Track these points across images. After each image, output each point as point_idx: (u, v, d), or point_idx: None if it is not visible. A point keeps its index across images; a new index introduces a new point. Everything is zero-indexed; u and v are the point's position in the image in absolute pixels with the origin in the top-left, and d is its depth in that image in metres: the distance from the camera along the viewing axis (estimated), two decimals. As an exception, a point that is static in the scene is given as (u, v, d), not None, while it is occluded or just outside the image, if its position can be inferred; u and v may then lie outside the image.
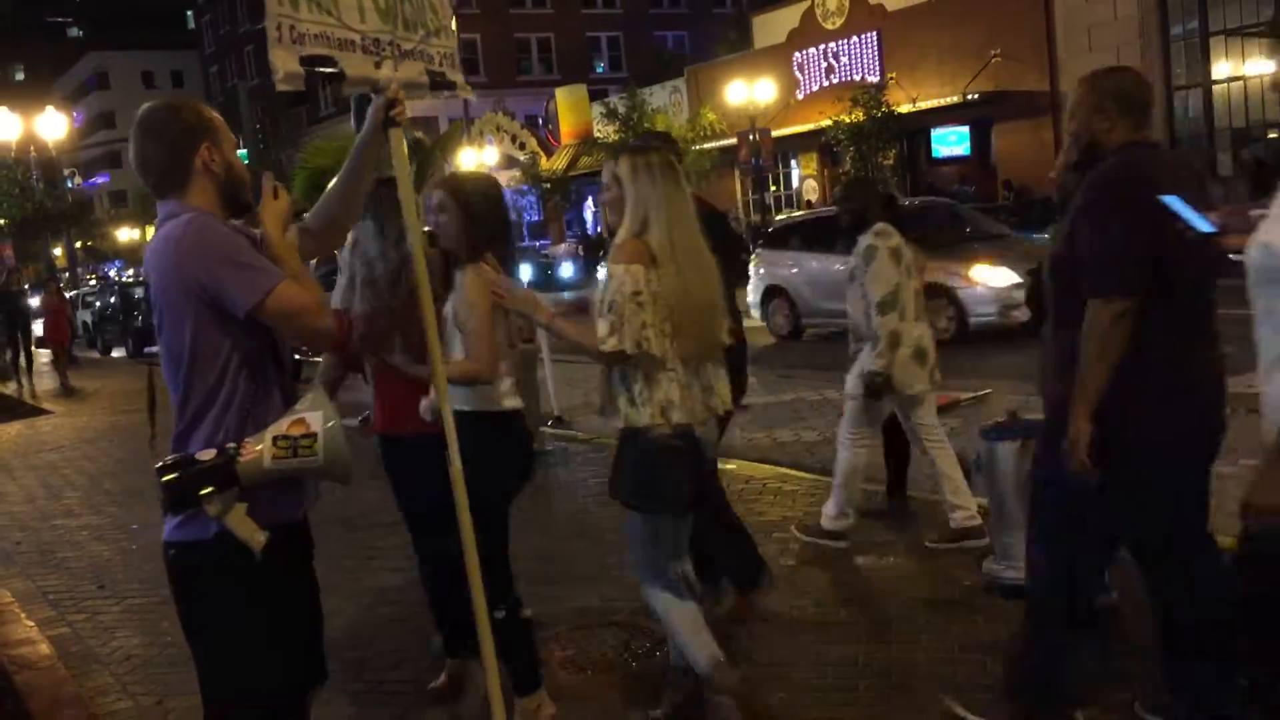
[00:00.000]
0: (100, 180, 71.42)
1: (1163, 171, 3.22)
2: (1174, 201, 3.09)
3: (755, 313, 15.32)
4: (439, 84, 3.50)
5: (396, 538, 6.38)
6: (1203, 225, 3.10)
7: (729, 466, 7.55)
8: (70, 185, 52.13)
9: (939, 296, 12.15)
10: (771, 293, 15.36)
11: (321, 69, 3.17)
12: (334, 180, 3.09)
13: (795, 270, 14.95)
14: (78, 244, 46.66)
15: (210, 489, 2.53)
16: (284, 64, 2.99)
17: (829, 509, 5.62)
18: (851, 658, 4.21)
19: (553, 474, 7.93)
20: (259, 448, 2.57)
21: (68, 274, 40.74)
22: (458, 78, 3.59)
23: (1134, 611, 4.02)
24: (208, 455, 2.56)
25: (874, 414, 5.62)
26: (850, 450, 5.61)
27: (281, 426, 2.59)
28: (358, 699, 4.29)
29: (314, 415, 2.61)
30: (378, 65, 3.25)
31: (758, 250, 16.05)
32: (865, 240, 5.42)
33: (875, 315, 5.31)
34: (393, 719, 4.14)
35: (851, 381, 5.57)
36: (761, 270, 15.51)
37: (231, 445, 2.58)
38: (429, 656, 4.51)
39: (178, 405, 2.67)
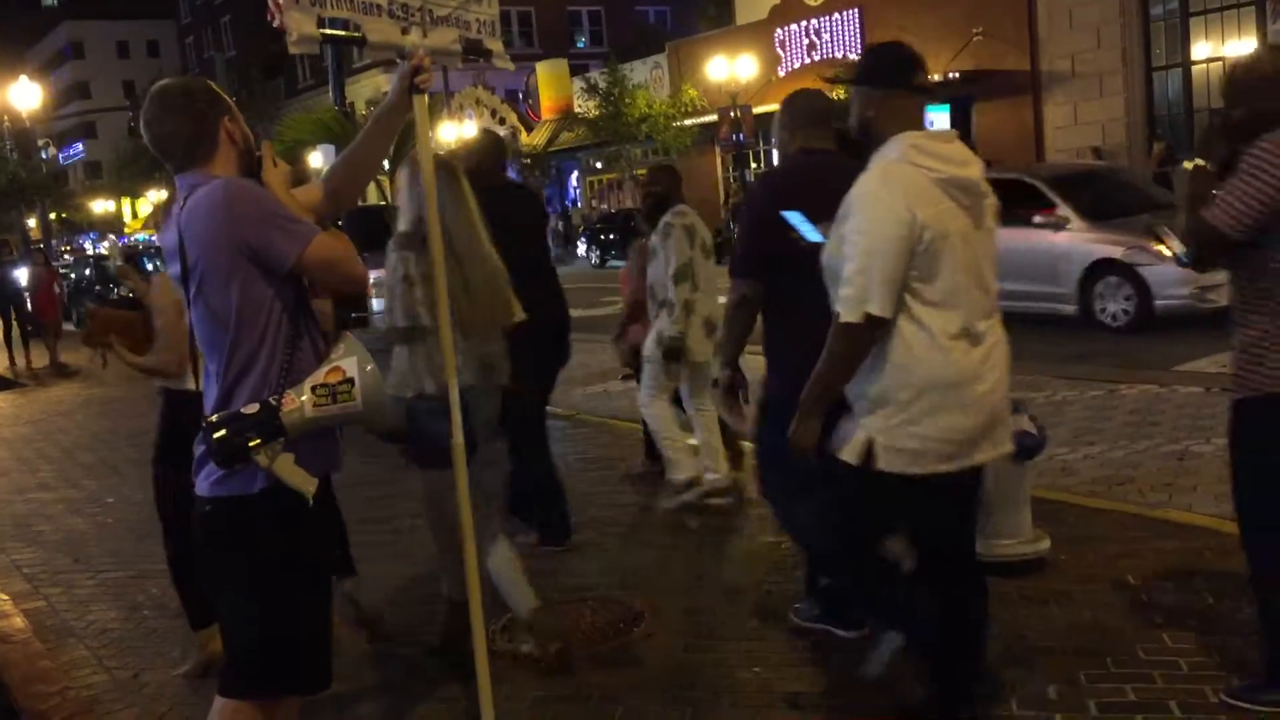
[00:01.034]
0: (74, 152, 70.70)
1: (811, 179, 3.83)
2: (791, 215, 3.65)
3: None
4: (474, 51, 3.47)
5: (378, 510, 6.38)
6: (812, 236, 3.53)
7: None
8: (44, 156, 51.62)
9: (1112, 274, 11.16)
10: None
11: (339, 31, 3.15)
12: (353, 143, 3.09)
13: None
14: (52, 215, 46.18)
15: (258, 440, 2.60)
16: (299, 26, 2.97)
17: (678, 477, 6.06)
18: (824, 632, 4.23)
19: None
20: (301, 399, 2.64)
21: (42, 245, 40.37)
22: (496, 46, 3.56)
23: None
24: (251, 409, 2.63)
25: (671, 375, 6.06)
26: (652, 407, 6.14)
27: (319, 376, 2.68)
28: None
29: (348, 361, 2.70)
30: (405, 31, 3.22)
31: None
32: (664, 219, 5.98)
33: (671, 285, 5.86)
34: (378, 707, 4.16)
35: (649, 345, 6.08)
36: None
37: (273, 398, 2.64)
38: (409, 631, 4.52)
39: (221, 365, 2.70)
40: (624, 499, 6.42)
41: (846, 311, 3.03)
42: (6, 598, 5.57)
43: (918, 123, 3.19)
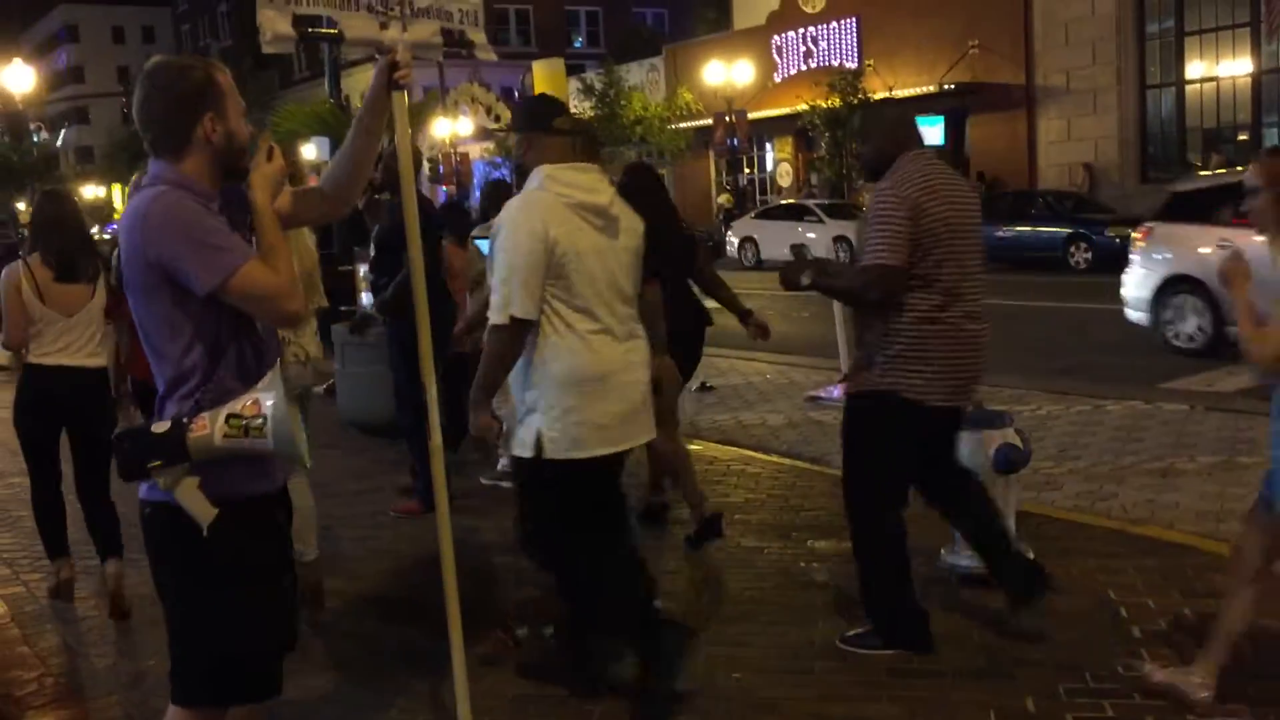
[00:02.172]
0: (66, 132, 70.32)
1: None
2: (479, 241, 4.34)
3: (1138, 314, 10.87)
4: (456, 43, 3.43)
5: (362, 505, 6.37)
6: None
7: (693, 447, 7.58)
8: (36, 140, 51.34)
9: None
10: (1175, 285, 10.46)
11: (315, 30, 3.10)
12: (343, 145, 3.02)
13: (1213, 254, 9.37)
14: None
15: (159, 462, 2.52)
16: (272, 25, 2.89)
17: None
18: (807, 641, 4.24)
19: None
20: (212, 424, 2.53)
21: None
22: (479, 37, 3.51)
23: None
24: (161, 427, 2.55)
25: None
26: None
27: (237, 405, 2.56)
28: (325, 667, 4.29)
29: (266, 395, 2.57)
30: (383, 25, 3.18)
31: (1144, 225, 11.29)
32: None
33: None
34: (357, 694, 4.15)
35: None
36: (1156, 254, 10.77)
37: (185, 419, 2.55)
38: (388, 630, 4.51)
39: (158, 375, 2.65)
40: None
41: (495, 315, 3.57)
42: (-15, 582, 5.54)
43: (562, 158, 3.70)
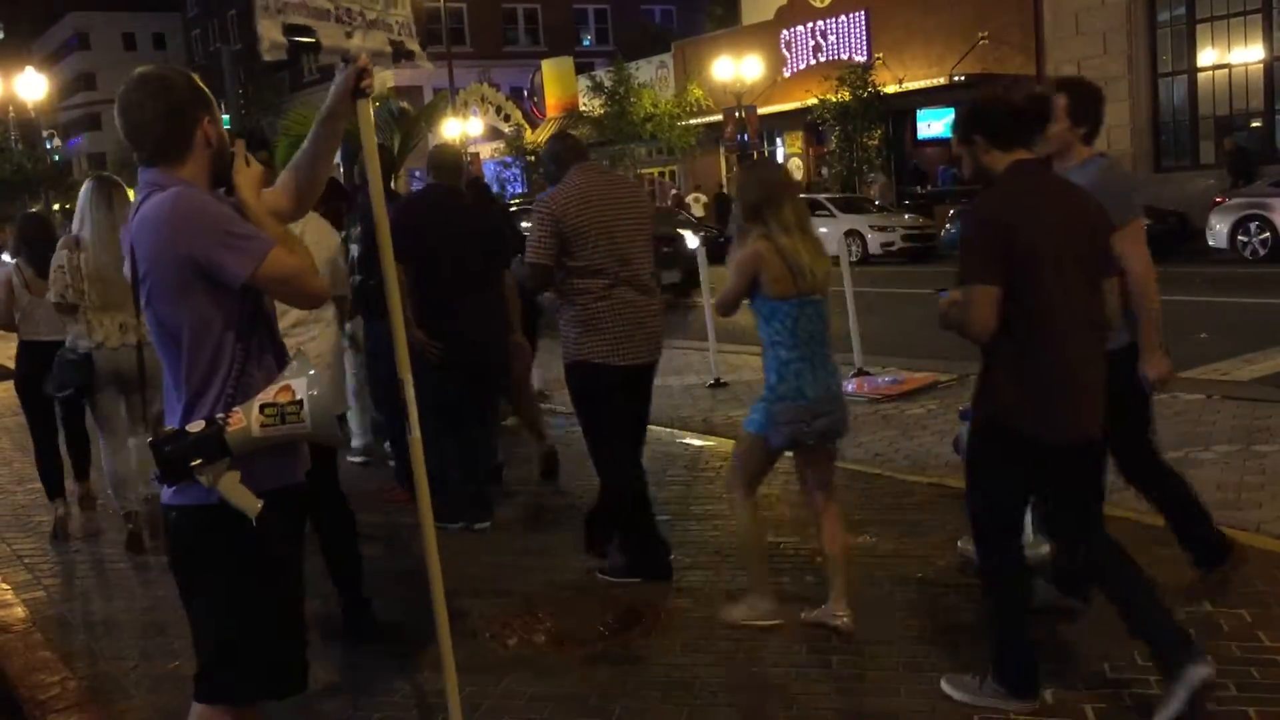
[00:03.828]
0: (79, 141, 70.66)
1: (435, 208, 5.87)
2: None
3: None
4: (400, 54, 3.51)
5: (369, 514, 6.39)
6: None
7: (708, 443, 7.59)
8: (49, 146, 51.62)
9: None
10: None
11: (300, 39, 3.17)
12: (299, 150, 3.05)
13: None
14: (55, 206, 46.20)
15: (199, 460, 2.56)
16: (269, 33, 2.99)
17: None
18: (825, 635, 4.25)
19: (531, 447, 7.93)
20: (248, 416, 2.58)
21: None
22: (415, 47, 3.60)
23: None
24: (197, 427, 2.59)
25: None
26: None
27: (269, 394, 2.61)
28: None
29: (299, 381, 2.62)
30: (349, 35, 3.25)
31: None
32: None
33: None
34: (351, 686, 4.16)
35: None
36: None
37: (220, 415, 2.59)
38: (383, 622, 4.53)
39: (179, 379, 2.68)
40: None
41: None
42: (8, 587, 5.58)
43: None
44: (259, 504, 2.61)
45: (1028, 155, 3.54)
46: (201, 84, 2.76)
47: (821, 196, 26.75)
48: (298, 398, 2.59)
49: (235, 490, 2.59)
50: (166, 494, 2.69)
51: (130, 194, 5.57)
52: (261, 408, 2.58)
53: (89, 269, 5.67)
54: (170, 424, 2.68)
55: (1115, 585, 3.59)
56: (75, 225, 5.82)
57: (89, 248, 5.69)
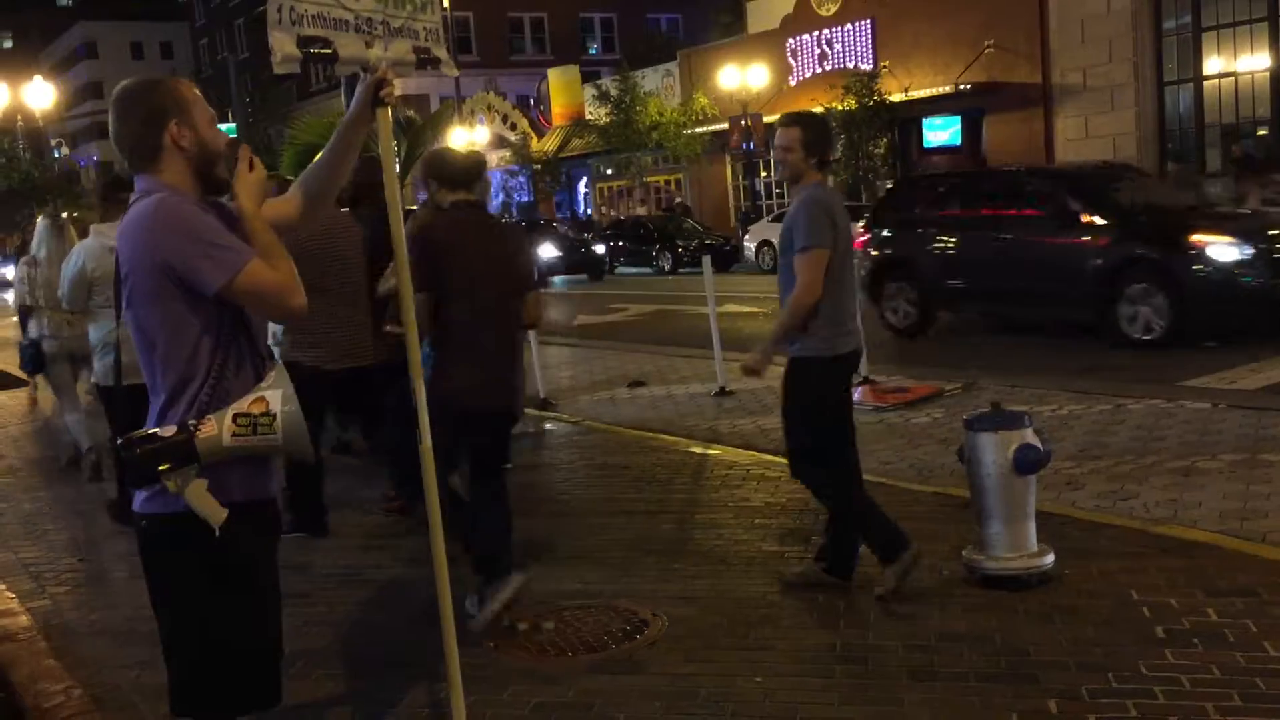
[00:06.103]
0: (92, 158, 70.88)
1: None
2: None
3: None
4: (426, 61, 3.51)
5: (351, 515, 6.40)
6: None
7: (713, 452, 7.59)
8: (57, 155, 51.77)
9: None
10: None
11: (315, 50, 3.19)
12: (318, 156, 3.08)
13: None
14: (64, 215, 46.25)
15: (167, 465, 2.54)
16: (282, 46, 3.00)
17: None
18: (829, 644, 4.24)
19: (536, 455, 7.94)
20: (219, 425, 2.57)
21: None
22: (442, 54, 3.60)
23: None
24: (168, 431, 2.57)
25: None
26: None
27: (243, 404, 2.59)
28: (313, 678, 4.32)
29: (274, 394, 2.61)
30: (369, 45, 3.27)
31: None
32: None
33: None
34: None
35: None
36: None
37: (192, 421, 2.58)
38: (380, 643, 4.54)
39: (154, 383, 2.67)
40: (629, 506, 6.42)
41: None
42: (13, 596, 5.59)
43: None
44: (224, 513, 2.58)
45: None
46: (181, 89, 2.74)
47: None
48: (271, 410, 2.58)
49: (201, 498, 2.56)
50: (138, 501, 2.67)
51: (74, 233, 7.89)
52: (235, 417, 2.57)
53: (42, 280, 7.82)
54: (147, 427, 2.66)
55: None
56: (34, 249, 8.16)
57: (44, 265, 7.88)
